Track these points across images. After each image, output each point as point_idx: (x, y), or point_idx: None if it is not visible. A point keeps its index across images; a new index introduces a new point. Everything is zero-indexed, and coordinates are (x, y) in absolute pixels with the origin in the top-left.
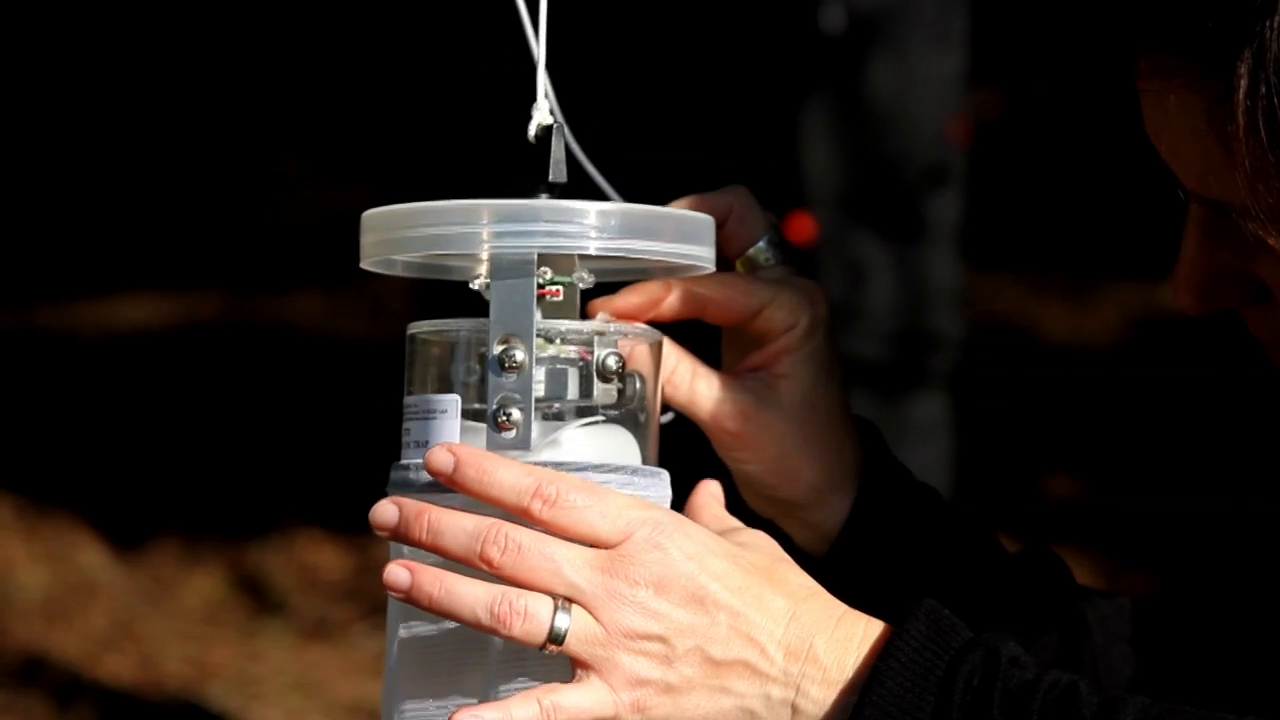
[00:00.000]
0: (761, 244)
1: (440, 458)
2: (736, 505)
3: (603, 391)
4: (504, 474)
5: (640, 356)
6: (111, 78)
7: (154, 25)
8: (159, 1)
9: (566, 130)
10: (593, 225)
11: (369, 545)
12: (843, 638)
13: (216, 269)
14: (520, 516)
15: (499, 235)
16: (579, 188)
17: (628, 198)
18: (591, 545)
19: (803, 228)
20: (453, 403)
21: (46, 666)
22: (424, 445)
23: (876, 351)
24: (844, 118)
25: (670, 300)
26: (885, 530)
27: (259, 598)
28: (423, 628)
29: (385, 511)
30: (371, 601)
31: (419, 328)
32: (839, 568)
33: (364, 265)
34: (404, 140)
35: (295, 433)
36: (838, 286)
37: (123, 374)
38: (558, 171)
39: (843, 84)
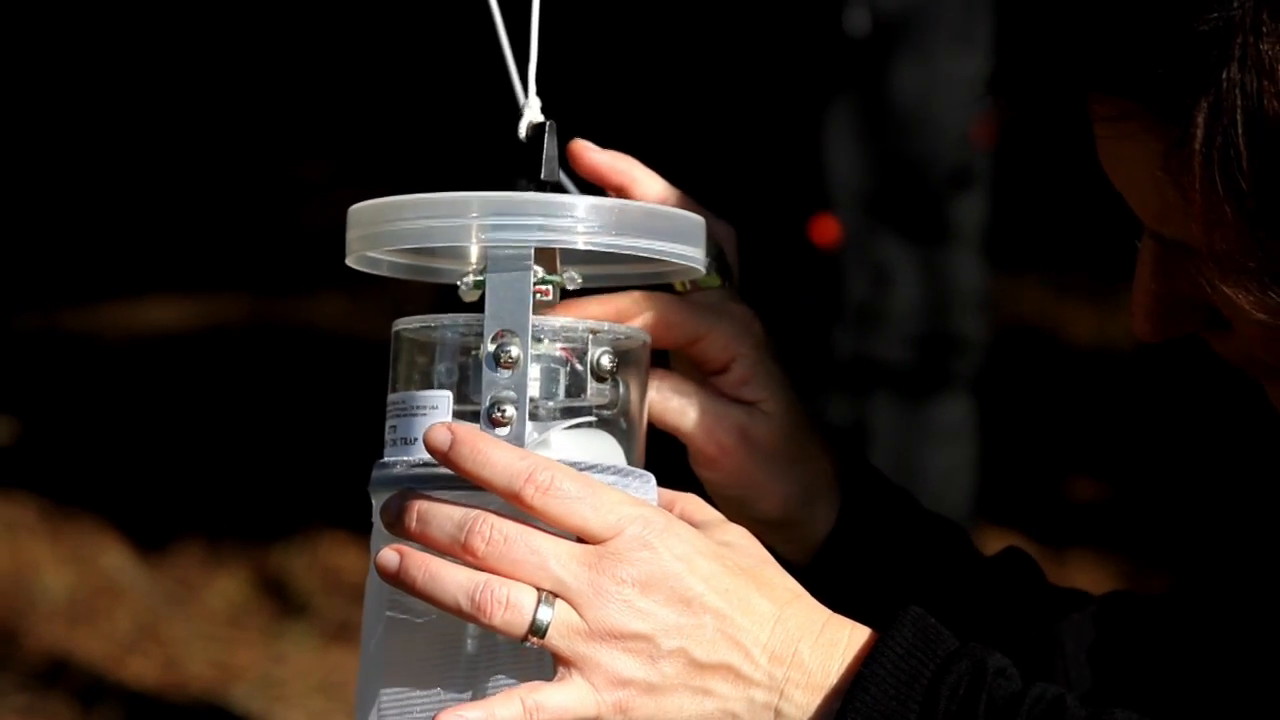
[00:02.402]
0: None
1: (438, 434)
2: None
3: (595, 391)
4: (498, 455)
5: (629, 358)
6: (134, 82)
7: (176, 30)
8: (181, 7)
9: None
10: (583, 220)
11: None
12: (828, 643)
13: (240, 271)
14: (511, 501)
15: (490, 228)
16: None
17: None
18: (581, 538)
19: (827, 230)
20: (443, 399)
21: (70, 668)
22: (411, 442)
23: (900, 354)
24: (868, 120)
25: (611, 313)
26: (868, 540)
27: (283, 600)
28: (408, 617)
29: (389, 504)
30: None
31: (404, 324)
32: (821, 576)
33: (349, 263)
34: (426, 142)
35: (318, 435)
36: (862, 289)
37: (146, 376)
38: (550, 169)
39: (867, 86)
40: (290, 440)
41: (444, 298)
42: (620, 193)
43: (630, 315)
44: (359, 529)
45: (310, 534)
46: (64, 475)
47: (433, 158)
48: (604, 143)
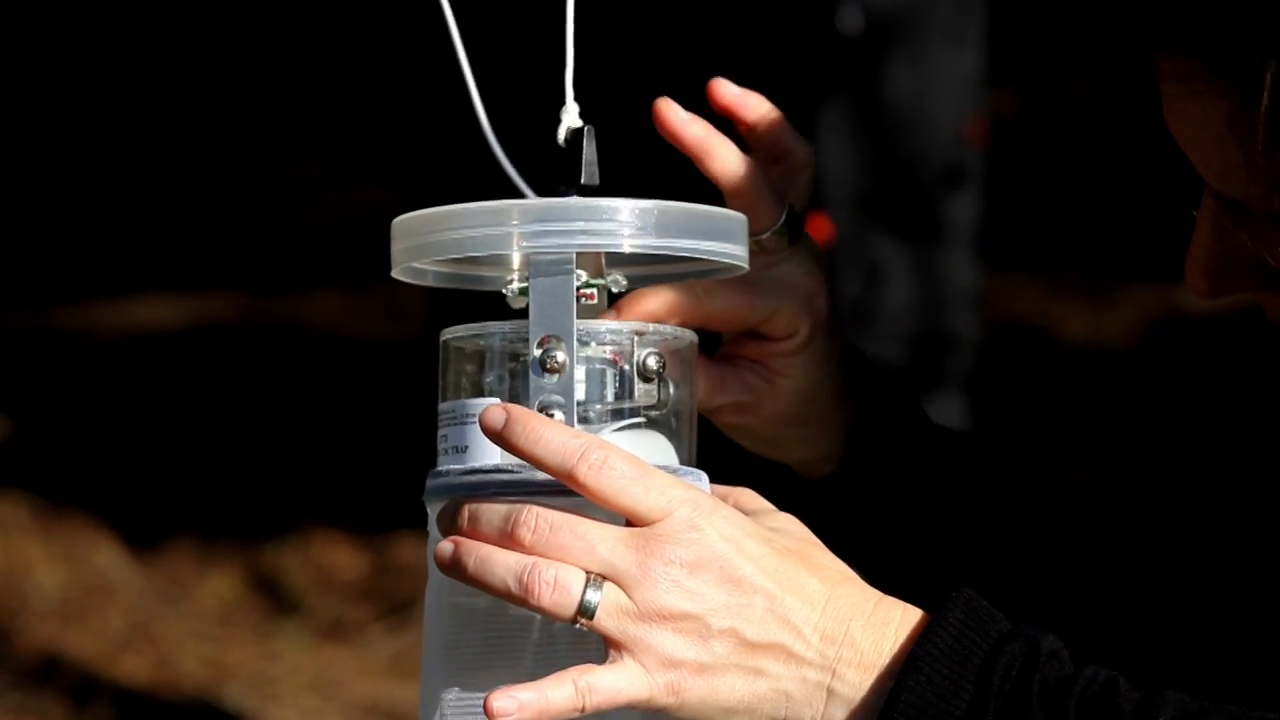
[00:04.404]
0: (776, 228)
1: (493, 414)
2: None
3: (643, 392)
4: (552, 434)
5: (675, 359)
6: (129, 80)
7: (172, 27)
8: (178, 6)
9: (491, 134)
10: (626, 223)
11: (385, 546)
12: (879, 622)
13: (233, 270)
14: (564, 480)
15: (533, 235)
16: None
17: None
18: (630, 518)
19: (820, 229)
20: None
21: (63, 667)
22: (463, 450)
23: (893, 353)
24: (861, 119)
25: (674, 307)
26: (877, 475)
27: (275, 598)
28: (470, 615)
29: (444, 511)
30: (388, 602)
31: (451, 333)
32: (833, 499)
33: (395, 274)
34: (422, 142)
35: (312, 434)
36: (855, 288)
37: (139, 375)
38: (589, 174)
39: (860, 85)
40: (283, 439)
41: (447, 297)
42: (697, 162)
43: (689, 308)
44: (352, 527)
45: (303, 532)
46: (56, 473)
47: (430, 158)
48: (599, 138)
